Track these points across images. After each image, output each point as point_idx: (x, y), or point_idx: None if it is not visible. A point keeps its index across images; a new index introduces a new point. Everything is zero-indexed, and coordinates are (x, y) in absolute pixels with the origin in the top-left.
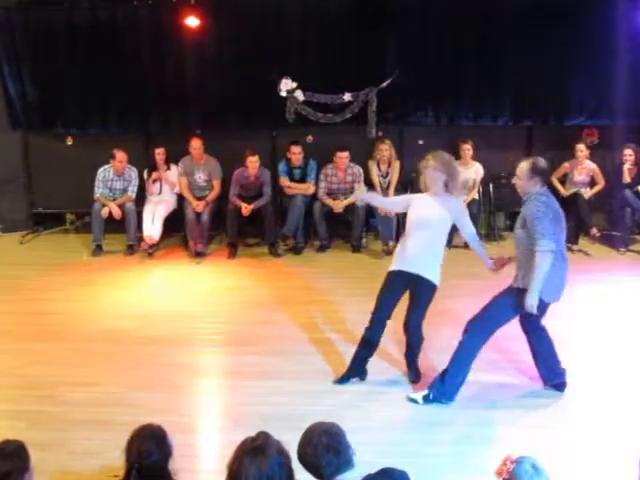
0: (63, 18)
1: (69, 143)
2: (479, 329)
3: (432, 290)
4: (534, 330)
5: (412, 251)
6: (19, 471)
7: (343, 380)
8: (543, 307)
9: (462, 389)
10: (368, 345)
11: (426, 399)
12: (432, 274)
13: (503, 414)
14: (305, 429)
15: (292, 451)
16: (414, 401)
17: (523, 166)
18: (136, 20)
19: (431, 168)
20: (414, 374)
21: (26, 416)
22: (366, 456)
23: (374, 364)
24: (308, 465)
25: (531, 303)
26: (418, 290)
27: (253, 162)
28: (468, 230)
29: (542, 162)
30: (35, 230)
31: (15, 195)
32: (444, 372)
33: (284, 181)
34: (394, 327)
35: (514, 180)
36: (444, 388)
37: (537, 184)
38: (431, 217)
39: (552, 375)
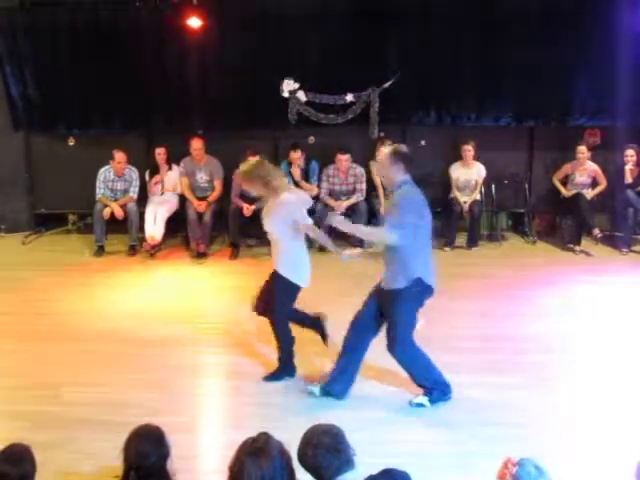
0: (65, 19)
1: (71, 144)
2: (404, 339)
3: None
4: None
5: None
6: (30, 475)
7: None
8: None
9: (461, 389)
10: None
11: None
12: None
13: (503, 414)
14: (305, 430)
15: (292, 452)
16: (421, 405)
17: (385, 151)
18: (138, 21)
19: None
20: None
21: (26, 416)
22: (365, 457)
23: (375, 364)
24: (309, 467)
25: (337, 220)
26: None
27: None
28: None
29: (404, 148)
30: (37, 231)
31: (17, 196)
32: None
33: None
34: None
35: (375, 168)
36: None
37: (400, 170)
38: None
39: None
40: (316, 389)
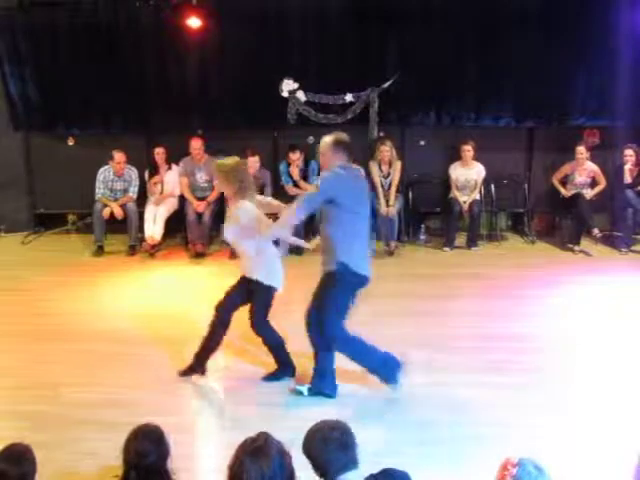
0: (65, 19)
1: (71, 143)
2: (333, 322)
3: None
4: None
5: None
6: (31, 474)
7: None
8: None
9: (461, 389)
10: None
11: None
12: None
13: (502, 414)
14: (313, 424)
15: (292, 451)
16: (300, 393)
17: (326, 140)
18: (138, 21)
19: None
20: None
21: (26, 416)
22: (362, 456)
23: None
24: (314, 458)
25: (274, 234)
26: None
27: (253, 162)
28: None
29: (345, 136)
30: (37, 231)
31: (17, 196)
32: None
33: (290, 189)
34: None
35: (319, 158)
36: (325, 381)
37: (342, 159)
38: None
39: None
40: (304, 389)
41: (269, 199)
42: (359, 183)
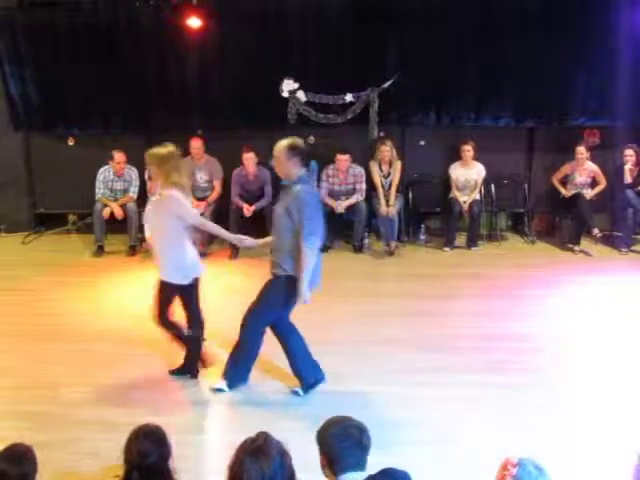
0: (65, 19)
1: (71, 144)
2: (260, 319)
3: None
4: (289, 332)
5: None
6: (31, 474)
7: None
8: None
9: (461, 389)
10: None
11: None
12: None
13: (503, 414)
14: (336, 415)
15: (292, 451)
16: (220, 390)
17: (281, 145)
18: (138, 21)
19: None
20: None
21: (27, 416)
22: None
23: (372, 366)
24: (327, 446)
25: (306, 294)
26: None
27: (249, 159)
28: None
29: (300, 141)
30: (37, 231)
31: (17, 196)
32: (235, 360)
33: None
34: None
35: (273, 163)
36: (239, 374)
37: (297, 165)
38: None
39: (313, 371)
40: (300, 390)
41: (206, 222)
42: (318, 198)
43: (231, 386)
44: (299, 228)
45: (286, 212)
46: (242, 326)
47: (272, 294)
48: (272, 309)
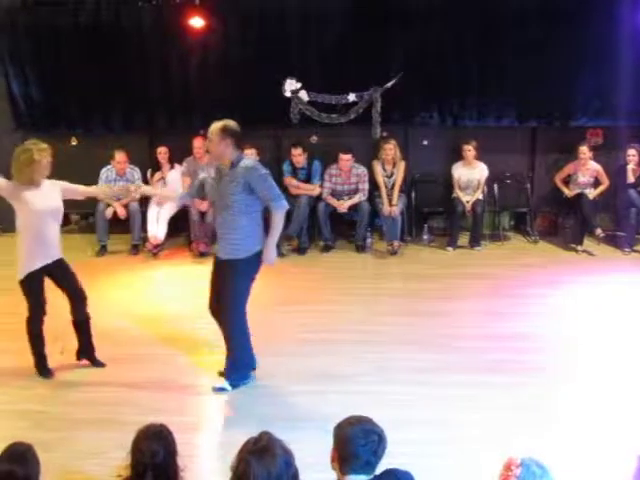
0: (67, 19)
1: (73, 143)
2: (234, 310)
3: None
4: None
5: None
6: (35, 475)
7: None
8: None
9: (463, 389)
10: None
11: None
12: None
13: (504, 414)
14: (359, 415)
15: (295, 451)
16: (222, 390)
17: (216, 125)
18: (140, 20)
19: None
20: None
21: (28, 416)
22: None
23: (373, 366)
24: (344, 442)
25: (273, 256)
26: None
27: (249, 155)
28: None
29: (234, 124)
30: None
31: None
32: (233, 359)
33: (290, 180)
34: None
35: (207, 144)
36: (239, 373)
37: (229, 146)
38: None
39: (252, 359)
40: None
41: (76, 186)
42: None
43: (234, 386)
44: (266, 196)
45: (245, 188)
46: (223, 324)
47: (238, 279)
48: (243, 292)
